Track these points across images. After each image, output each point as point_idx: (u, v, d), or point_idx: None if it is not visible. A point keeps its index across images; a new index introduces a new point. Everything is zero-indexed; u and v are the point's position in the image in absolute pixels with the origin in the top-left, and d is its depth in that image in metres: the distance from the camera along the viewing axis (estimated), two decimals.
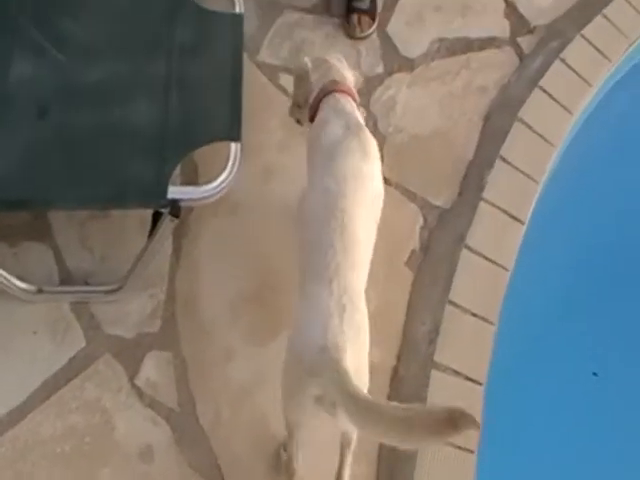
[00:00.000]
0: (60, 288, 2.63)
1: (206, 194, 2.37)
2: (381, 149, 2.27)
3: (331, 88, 2.30)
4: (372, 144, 2.19)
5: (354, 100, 2.33)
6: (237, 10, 2.71)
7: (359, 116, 2.28)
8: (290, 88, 2.93)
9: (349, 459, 2.21)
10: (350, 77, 2.40)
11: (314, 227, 2.02)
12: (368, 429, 1.71)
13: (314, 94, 2.32)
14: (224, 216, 2.73)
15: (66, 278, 2.65)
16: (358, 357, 1.83)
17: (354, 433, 2.12)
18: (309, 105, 2.34)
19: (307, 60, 2.40)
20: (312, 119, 2.32)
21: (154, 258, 2.53)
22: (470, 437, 2.22)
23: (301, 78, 2.41)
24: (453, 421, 1.52)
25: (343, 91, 2.30)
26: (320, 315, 1.83)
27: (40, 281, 2.59)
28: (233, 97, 2.49)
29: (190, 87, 2.53)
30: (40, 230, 2.71)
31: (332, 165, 2.10)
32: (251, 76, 2.96)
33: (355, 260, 1.95)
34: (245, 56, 2.74)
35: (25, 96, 2.50)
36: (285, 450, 2.26)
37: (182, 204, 2.33)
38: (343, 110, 2.25)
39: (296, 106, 2.48)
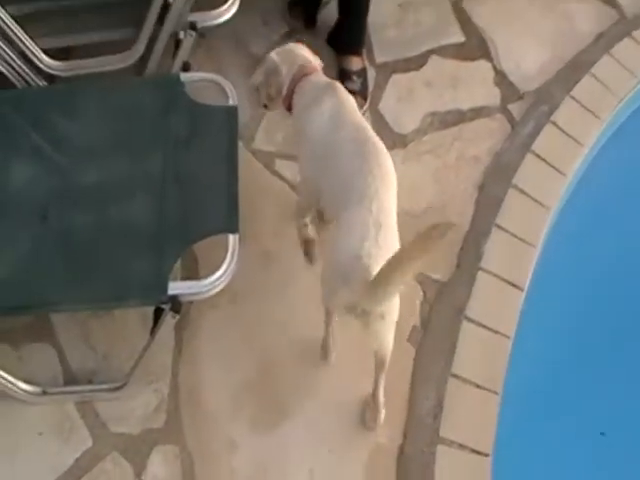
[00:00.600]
0: (64, 389, 2.67)
1: (206, 288, 2.37)
2: None
3: (302, 74, 2.53)
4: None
5: None
6: (231, 102, 2.74)
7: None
8: (285, 173, 3.10)
9: (382, 378, 2.45)
10: (314, 60, 2.61)
11: (349, 163, 2.29)
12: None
13: (287, 84, 2.54)
14: (224, 306, 2.77)
15: (70, 378, 2.68)
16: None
17: (386, 355, 2.37)
18: (284, 95, 2.56)
19: (274, 55, 2.57)
20: (289, 107, 2.57)
21: (156, 353, 2.57)
22: None
23: (272, 72, 2.56)
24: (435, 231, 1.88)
25: (312, 72, 2.54)
26: (360, 229, 2.11)
27: (44, 382, 2.64)
28: (230, 189, 2.52)
29: (187, 181, 2.56)
30: (42, 330, 2.76)
31: (343, 119, 2.40)
32: (246, 163, 3.05)
33: (389, 185, 2.25)
34: (240, 144, 2.79)
35: (25, 200, 2.56)
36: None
37: (183, 299, 2.36)
38: (320, 84, 2.51)
39: (267, 98, 2.64)
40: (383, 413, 2.55)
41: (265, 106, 2.71)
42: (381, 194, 2.19)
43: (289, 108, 2.58)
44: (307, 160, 2.56)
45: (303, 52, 2.62)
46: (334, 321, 2.54)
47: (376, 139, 2.35)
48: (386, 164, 2.29)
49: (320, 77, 2.56)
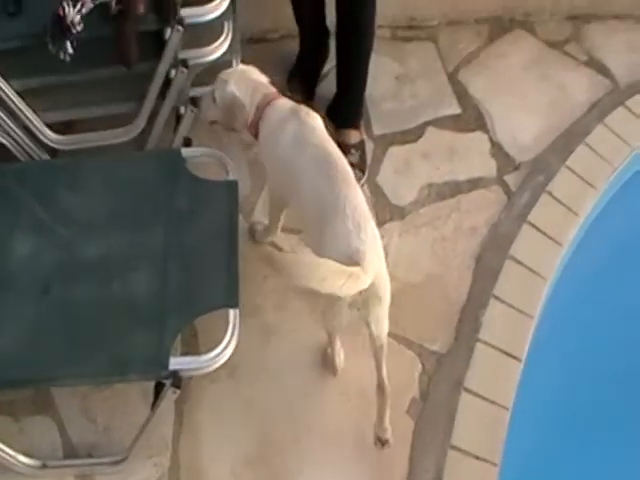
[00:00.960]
0: (64, 462, 2.67)
1: (207, 363, 2.40)
2: None
3: (266, 102, 2.61)
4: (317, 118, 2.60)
5: None
6: (231, 177, 2.79)
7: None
8: (285, 246, 3.09)
9: (383, 362, 2.58)
10: (268, 82, 2.71)
11: (314, 183, 2.43)
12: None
13: (252, 115, 2.62)
14: (223, 380, 2.78)
15: (70, 451, 2.69)
16: (378, 258, 2.32)
17: (385, 337, 2.53)
18: (249, 123, 2.64)
19: (233, 88, 2.62)
20: (256, 134, 2.65)
21: (157, 426, 2.58)
22: None
23: (234, 107, 2.62)
24: None
25: (274, 98, 2.64)
26: (342, 234, 2.28)
27: (44, 455, 2.65)
28: (230, 264, 2.54)
29: (188, 256, 2.60)
30: (43, 403, 2.77)
31: (306, 141, 2.51)
32: (246, 237, 3.09)
33: (354, 186, 2.41)
34: (240, 217, 2.82)
35: (27, 273, 2.59)
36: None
37: (183, 374, 2.38)
38: (285, 110, 2.60)
39: (228, 130, 2.76)
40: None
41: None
42: (351, 197, 2.35)
43: (255, 135, 2.66)
44: (274, 182, 2.77)
45: (259, 77, 2.70)
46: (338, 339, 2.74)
47: (334, 151, 2.50)
48: (346, 169, 2.46)
49: (283, 102, 2.63)
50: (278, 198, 2.85)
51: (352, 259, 2.22)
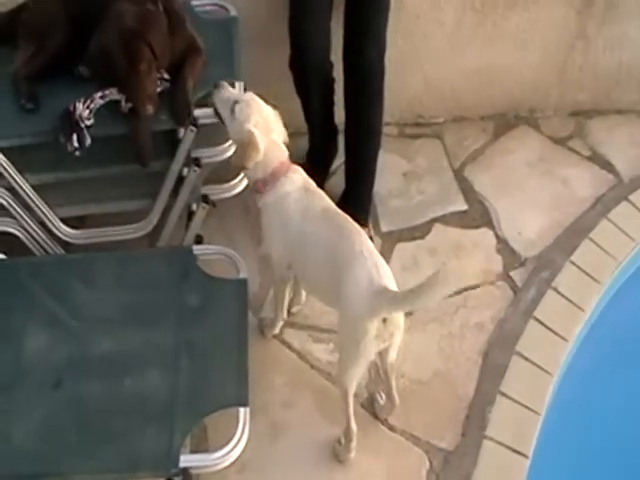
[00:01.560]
0: None
1: (217, 461, 2.40)
2: None
3: (281, 172, 2.69)
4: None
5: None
6: (241, 275, 2.84)
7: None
8: (294, 342, 3.20)
9: (394, 378, 2.84)
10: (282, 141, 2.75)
11: (326, 236, 2.59)
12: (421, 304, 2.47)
13: (265, 175, 2.69)
14: (232, 477, 2.76)
15: None
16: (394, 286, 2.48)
17: (394, 358, 2.72)
18: (259, 180, 2.71)
19: (255, 131, 2.62)
20: (261, 191, 2.72)
21: None
22: None
23: (252, 149, 2.63)
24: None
25: (288, 170, 2.71)
26: (363, 276, 2.43)
27: None
28: (240, 362, 2.58)
29: (199, 354, 2.63)
30: None
31: (315, 211, 2.66)
32: (256, 333, 3.14)
33: (363, 232, 2.58)
34: (249, 314, 2.84)
35: (39, 367, 2.62)
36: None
37: (194, 471, 2.38)
38: (296, 185, 2.70)
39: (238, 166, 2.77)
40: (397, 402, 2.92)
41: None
42: (366, 244, 2.51)
43: (259, 191, 2.73)
44: (278, 245, 2.79)
45: (277, 141, 2.72)
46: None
47: (339, 210, 2.67)
48: (354, 223, 2.61)
49: (296, 176, 2.71)
50: (281, 265, 2.88)
51: (378, 293, 2.40)
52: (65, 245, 3.19)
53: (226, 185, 3.15)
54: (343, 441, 2.83)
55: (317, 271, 2.67)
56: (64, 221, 3.13)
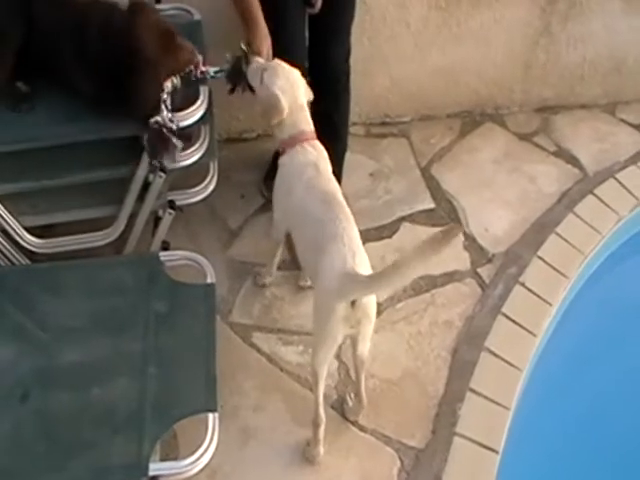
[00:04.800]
0: None
1: (187, 468, 2.39)
2: None
3: (300, 140, 2.85)
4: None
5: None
6: (209, 280, 2.83)
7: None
8: (263, 346, 3.22)
9: (363, 376, 2.87)
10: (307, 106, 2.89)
11: (318, 215, 2.68)
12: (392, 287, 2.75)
13: (284, 138, 2.87)
14: None
15: None
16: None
17: (365, 355, 2.78)
18: (283, 142, 2.88)
19: (280, 95, 2.80)
20: (281, 151, 2.90)
21: None
22: None
23: (275, 111, 2.81)
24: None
25: (307, 139, 2.85)
26: (338, 258, 2.51)
27: None
28: (208, 368, 2.58)
29: (167, 361, 2.62)
30: None
31: (317, 187, 2.77)
32: (224, 337, 3.12)
33: (352, 224, 2.64)
34: (218, 318, 2.87)
35: (6, 379, 2.59)
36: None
37: (163, 479, 2.38)
38: (308, 159, 2.83)
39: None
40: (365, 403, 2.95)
41: (232, 90, 3.04)
42: (348, 230, 2.59)
43: (280, 151, 2.92)
44: (280, 207, 2.97)
45: (303, 107, 2.87)
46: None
47: (340, 197, 2.74)
48: (347, 211, 2.68)
49: (311, 150, 2.84)
50: (280, 227, 3.06)
51: (347, 275, 2.47)
52: (31, 254, 3.15)
53: (192, 190, 3.15)
54: (312, 435, 2.84)
55: (305, 245, 2.79)
56: (29, 230, 3.10)
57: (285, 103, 2.80)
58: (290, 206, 2.86)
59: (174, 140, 2.79)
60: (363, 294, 2.51)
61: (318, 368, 2.69)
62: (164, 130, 2.76)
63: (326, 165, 2.84)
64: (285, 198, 2.89)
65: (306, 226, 2.76)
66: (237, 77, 2.97)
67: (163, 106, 2.76)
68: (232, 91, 3.02)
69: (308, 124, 2.88)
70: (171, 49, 2.83)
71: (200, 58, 2.91)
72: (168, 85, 2.80)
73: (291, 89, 2.83)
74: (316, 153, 2.84)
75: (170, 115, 2.78)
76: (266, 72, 2.85)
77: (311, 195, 2.75)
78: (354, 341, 2.69)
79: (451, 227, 2.31)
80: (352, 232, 2.61)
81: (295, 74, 2.87)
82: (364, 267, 2.54)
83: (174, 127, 2.78)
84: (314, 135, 2.88)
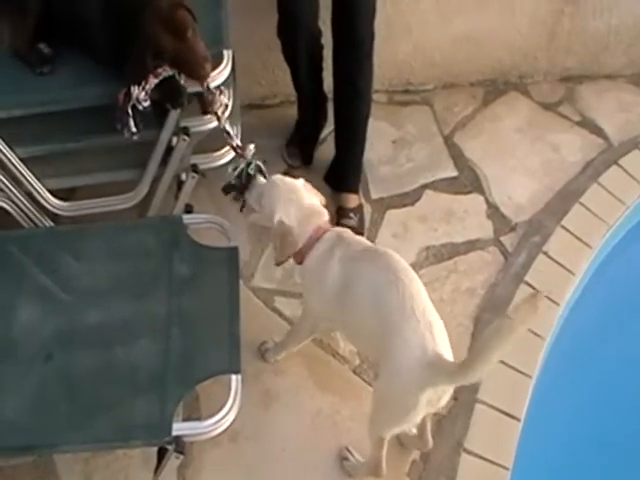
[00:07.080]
0: None
1: (210, 429, 2.39)
2: None
3: (318, 235, 2.53)
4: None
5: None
6: (232, 243, 2.81)
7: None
8: (285, 310, 3.20)
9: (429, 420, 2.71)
10: (319, 205, 2.60)
11: (372, 290, 2.34)
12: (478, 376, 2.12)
13: (302, 243, 2.53)
14: (225, 444, 2.80)
15: None
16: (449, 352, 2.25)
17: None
18: (297, 251, 2.54)
19: (283, 219, 2.50)
20: (301, 262, 2.56)
21: None
22: None
23: (288, 237, 2.52)
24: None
25: (326, 230, 2.55)
26: (416, 341, 2.20)
27: None
28: (232, 330, 2.56)
29: (190, 323, 2.61)
30: (45, 469, 2.79)
31: (353, 260, 2.46)
32: (246, 301, 3.09)
33: (416, 283, 2.33)
34: (240, 282, 2.84)
35: (30, 340, 2.60)
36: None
37: (186, 439, 2.38)
38: (332, 239, 2.53)
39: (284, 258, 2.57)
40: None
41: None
42: (416, 296, 2.28)
43: (300, 262, 2.59)
44: (318, 304, 2.64)
45: (312, 205, 2.59)
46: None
47: (384, 250, 2.47)
48: (404, 266, 2.39)
49: (329, 235, 2.55)
50: (318, 320, 2.79)
51: (432, 365, 2.19)
52: (54, 217, 3.17)
53: (215, 154, 3.11)
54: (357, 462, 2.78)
55: (360, 322, 2.45)
56: (53, 193, 3.10)
57: (297, 226, 2.51)
58: (330, 298, 2.52)
59: (130, 122, 2.74)
60: (451, 384, 2.28)
61: (385, 436, 2.54)
62: (127, 105, 2.72)
63: (347, 231, 2.59)
64: (321, 295, 2.56)
65: (357, 302, 2.41)
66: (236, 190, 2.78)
67: (143, 85, 2.71)
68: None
69: (320, 216, 2.58)
70: (179, 37, 2.70)
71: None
72: (159, 71, 2.72)
73: (298, 204, 2.55)
74: (334, 232, 2.56)
75: (143, 95, 2.71)
76: (262, 199, 2.60)
77: (352, 264, 2.45)
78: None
79: (533, 295, 2.05)
80: (420, 296, 2.31)
81: (296, 186, 2.60)
82: (444, 343, 2.26)
83: (140, 107, 2.72)
84: (329, 224, 2.60)
